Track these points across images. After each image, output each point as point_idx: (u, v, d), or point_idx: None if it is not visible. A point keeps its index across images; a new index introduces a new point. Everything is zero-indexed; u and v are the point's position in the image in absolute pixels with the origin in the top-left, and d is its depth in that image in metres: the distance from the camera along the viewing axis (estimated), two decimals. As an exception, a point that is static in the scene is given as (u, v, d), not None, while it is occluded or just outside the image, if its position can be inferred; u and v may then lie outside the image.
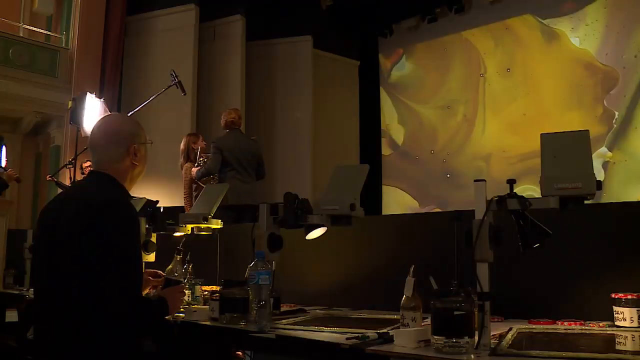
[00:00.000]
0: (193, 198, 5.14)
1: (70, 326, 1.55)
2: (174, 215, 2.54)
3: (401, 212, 8.60)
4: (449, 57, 8.88)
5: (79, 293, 1.53)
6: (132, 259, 1.61)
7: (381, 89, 9.67)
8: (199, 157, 5.22)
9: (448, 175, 8.62)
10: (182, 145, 5.32)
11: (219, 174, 4.90)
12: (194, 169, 5.09)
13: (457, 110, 8.69)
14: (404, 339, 1.39)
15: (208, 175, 4.99)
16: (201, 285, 2.51)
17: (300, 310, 2.21)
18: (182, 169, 5.32)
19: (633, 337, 1.56)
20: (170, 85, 4.65)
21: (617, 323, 1.69)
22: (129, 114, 4.93)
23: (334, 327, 1.75)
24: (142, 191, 1.83)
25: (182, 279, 2.18)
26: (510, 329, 1.66)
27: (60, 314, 1.57)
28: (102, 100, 6.23)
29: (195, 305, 2.28)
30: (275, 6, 8.62)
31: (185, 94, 4.91)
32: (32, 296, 2.98)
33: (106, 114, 4.77)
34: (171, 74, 4.64)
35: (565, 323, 1.77)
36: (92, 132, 1.81)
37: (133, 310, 1.57)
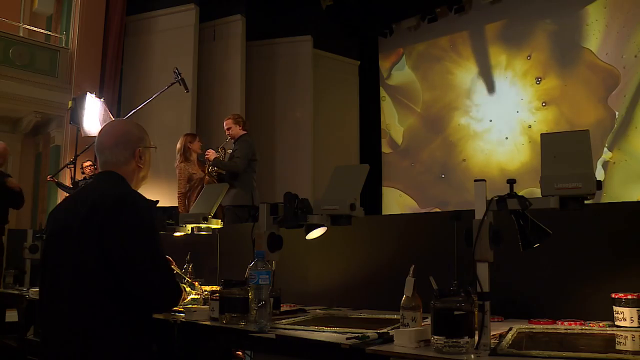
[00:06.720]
0: (187, 198, 5.14)
1: (92, 324, 1.56)
2: (174, 215, 2.54)
3: (401, 212, 8.59)
4: (449, 57, 8.88)
5: (105, 287, 1.57)
6: (158, 245, 1.68)
7: (381, 88, 9.66)
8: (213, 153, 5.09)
9: (443, 176, 8.61)
10: (178, 145, 5.31)
11: (244, 174, 4.91)
12: (213, 153, 4.96)
13: (457, 110, 8.69)
14: (404, 339, 1.39)
15: (231, 172, 4.92)
16: (201, 285, 2.51)
17: (300, 310, 2.20)
18: (177, 169, 5.31)
19: (633, 337, 1.56)
20: (174, 83, 4.66)
21: (617, 323, 1.69)
22: (131, 112, 4.94)
23: (334, 327, 1.75)
24: (142, 191, 1.83)
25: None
26: (510, 329, 1.66)
27: (80, 310, 1.57)
28: (102, 100, 6.23)
29: (195, 305, 2.28)
30: (275, 6, 8.61)
31: (188, 91, 4.91)
32: (33, 296, 3.00)
33: (112, 119, 4.81)
34: (174, 72, 4.64)
35: (565, 323, 1.77)
36: (99, 135, 1.85)
37: (171, 284, 1.70)
